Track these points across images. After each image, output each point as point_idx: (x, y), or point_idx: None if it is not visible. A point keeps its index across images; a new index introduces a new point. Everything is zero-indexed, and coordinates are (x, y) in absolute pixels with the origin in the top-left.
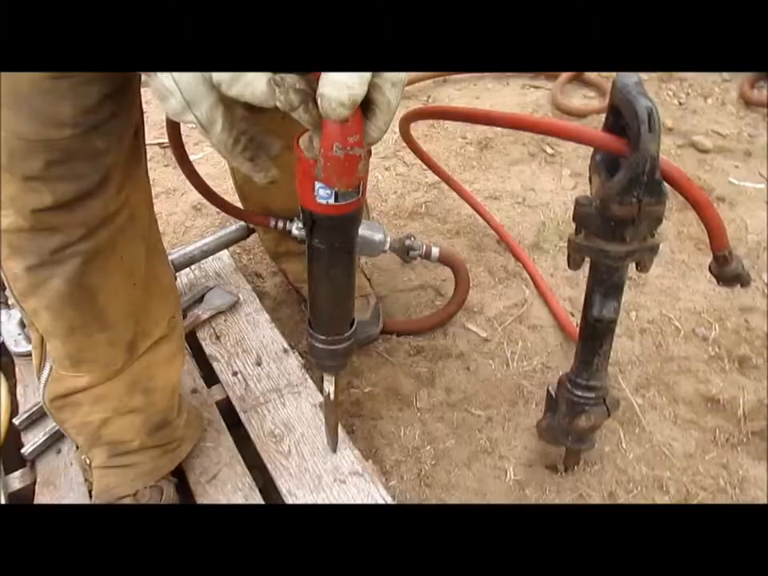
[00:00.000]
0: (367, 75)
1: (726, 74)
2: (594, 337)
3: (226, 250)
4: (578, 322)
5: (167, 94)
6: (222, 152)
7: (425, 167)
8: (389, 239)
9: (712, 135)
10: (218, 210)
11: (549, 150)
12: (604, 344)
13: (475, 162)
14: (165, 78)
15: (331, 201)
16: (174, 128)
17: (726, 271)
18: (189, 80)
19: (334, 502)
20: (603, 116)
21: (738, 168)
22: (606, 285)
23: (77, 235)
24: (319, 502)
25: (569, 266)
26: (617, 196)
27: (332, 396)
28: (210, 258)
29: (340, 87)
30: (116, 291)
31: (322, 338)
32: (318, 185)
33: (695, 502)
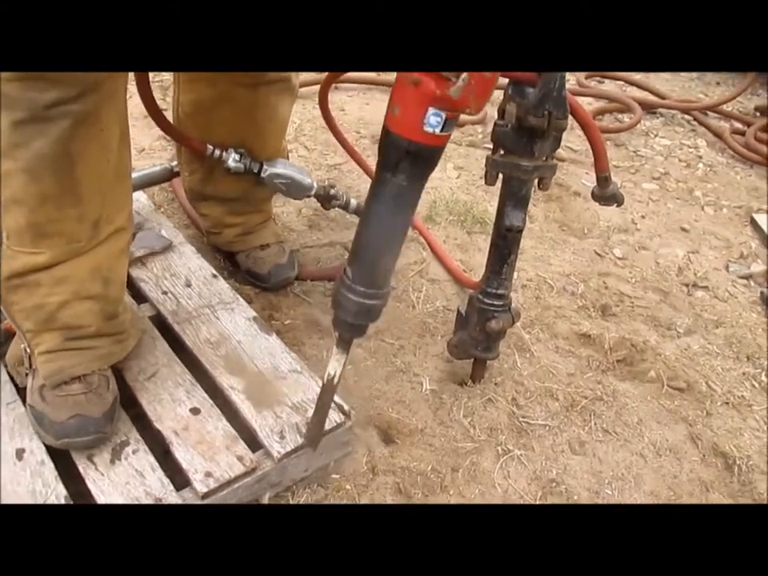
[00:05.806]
0: None
1: None
2: (504, 246)
3: (142, 192)
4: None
5: None
6: None
7: (325, 152)
8: (315, 184)
9: (566, 149)
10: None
11: None
12: (512, 253)
13: (370, 152)
14: None
15: (437, 130)
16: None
17: (606, 192)
18: None
19: (275, 394)
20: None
21: (588, 174)
22: (516, 197)
23: (70, 94)
24: (262, 394)
25: (486, 181)
26: (533, 109)
27: (337, 378)
28: None
29: None
30: (93, 164)
31: (362, 290)
32: (430, 111)
33: (578, 408)
